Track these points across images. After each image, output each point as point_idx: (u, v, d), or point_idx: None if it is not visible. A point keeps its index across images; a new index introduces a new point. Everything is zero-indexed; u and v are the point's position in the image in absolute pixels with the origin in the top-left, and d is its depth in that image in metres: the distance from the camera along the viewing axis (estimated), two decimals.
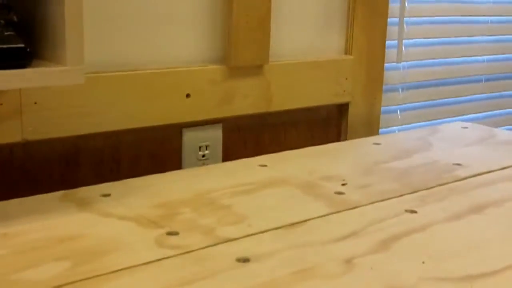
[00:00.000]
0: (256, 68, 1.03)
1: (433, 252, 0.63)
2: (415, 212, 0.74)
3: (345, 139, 1.20)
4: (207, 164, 0.98)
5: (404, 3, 1.28)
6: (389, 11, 1.22)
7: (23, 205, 0.71)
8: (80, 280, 0.55)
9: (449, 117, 1.46)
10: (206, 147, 1.02)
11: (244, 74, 1.02)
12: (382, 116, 1.27)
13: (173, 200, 0.75)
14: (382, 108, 1.27)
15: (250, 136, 1.08)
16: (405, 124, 1.38)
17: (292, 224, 0.69)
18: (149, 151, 0.97)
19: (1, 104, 0.79)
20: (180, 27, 0.96)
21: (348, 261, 0.60)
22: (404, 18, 1.29)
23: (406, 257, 0.62)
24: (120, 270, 0.57)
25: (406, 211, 0.75)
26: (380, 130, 1.28)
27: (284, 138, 1.13)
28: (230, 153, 1.05)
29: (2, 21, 0.61)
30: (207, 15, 0.98)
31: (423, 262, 0.61)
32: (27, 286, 0.53)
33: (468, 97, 1.50)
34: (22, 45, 0.61)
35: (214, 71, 0.99)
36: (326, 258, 0.61)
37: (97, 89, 0.87)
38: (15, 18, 0.64)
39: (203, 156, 1.02)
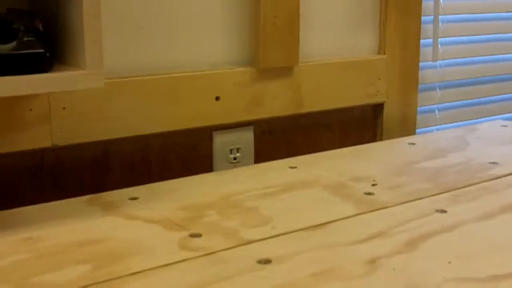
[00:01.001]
0: (285, 70, 1.02)
1: (460, 252, 0.61)
2: (445, 212, 0.72)
3: (381, 140, 1.18)
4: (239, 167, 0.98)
5: (439, 0, 1.26)
6: (424, 9, 1.19)
7: (49, 210, 0.73)
8: (98, 283, 0.55)
9: (489, 115, 1.42)
10: (237, 150, 1.02)
11: (273, 76, 1.01)
12: (419, 116, 1.24)
13: (199, 203, 0.75)
14: (419, 108, 1.24)
15: (283, 139, 1.07)
16: (444, 124, 1.35)
17: (317, 226, 0.68)
18: (180, 155, 0.97)
19: (31, 110, 0.81)
20: (208, 30, 0.96)
21: (371, 262, 0.59)
22: (439, 16, 1.27)
23: (432, 257, 0.60)
24: (140, 272, 0.57)
25: (437, 211, 0.73)
26: (418, 130, 1.26)
27: (318, 140, 1.12)
28: (262, 156, 1.04)
29: (22, 27, 0.62)
30: (234, 17, 0.98)
31: (449, 262, 0.59)
32: None
33: (509, 95, 1.46)
34: (42, 50, 0.62)
35: (242, 74, 0.98)
36: (348, 259, 0.60)
37: (126, 94, 0.88)
38: (39, 25, 0.65)
39: (235, 159, 1.02)
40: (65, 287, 0.54)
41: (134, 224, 0.69)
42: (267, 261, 0.59)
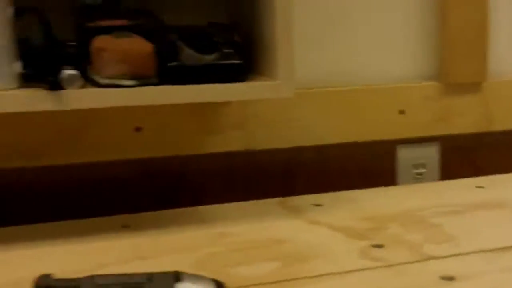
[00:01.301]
0: (473, 85, 1.00)
1: None
2: None
3: None
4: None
5: None
6: None
7: (240, 209, 0.78)
8: (286, 280, 0.58)
9: None
10: (422, 165, 1.01)
11: (460, 92, 0.99)
12: None
13: (381, 215, 0.76)
14: None
15: (470, 156, 1.04)
16: None
17: (505, 248, 0.66)
18: (363, 167, 0.98)
19: (227, 116, 0.87)
20: (393, 43, 0.97)
21: None
22: None
23: None
24: (322, 275, 0.59)
25: None
26: None
27: (507, 160, 1.07)
28: (448, 173, 1.02)
29: (222, 40, 0.67)
30: (420, 30, 0.98)
31: None
32: (241, 280, 0.58)
33: None
34: (240, 62, 0.67)
35: (428, 88, 0.97)
36: None
37: (312, 104, 0.92)
38: (237, 37, 0.70)
39: (419, 174, 1.01)
40: (258, 280, 0.58)
41: (318, 229, 0.72)
42: (451, 278, 0.59)
